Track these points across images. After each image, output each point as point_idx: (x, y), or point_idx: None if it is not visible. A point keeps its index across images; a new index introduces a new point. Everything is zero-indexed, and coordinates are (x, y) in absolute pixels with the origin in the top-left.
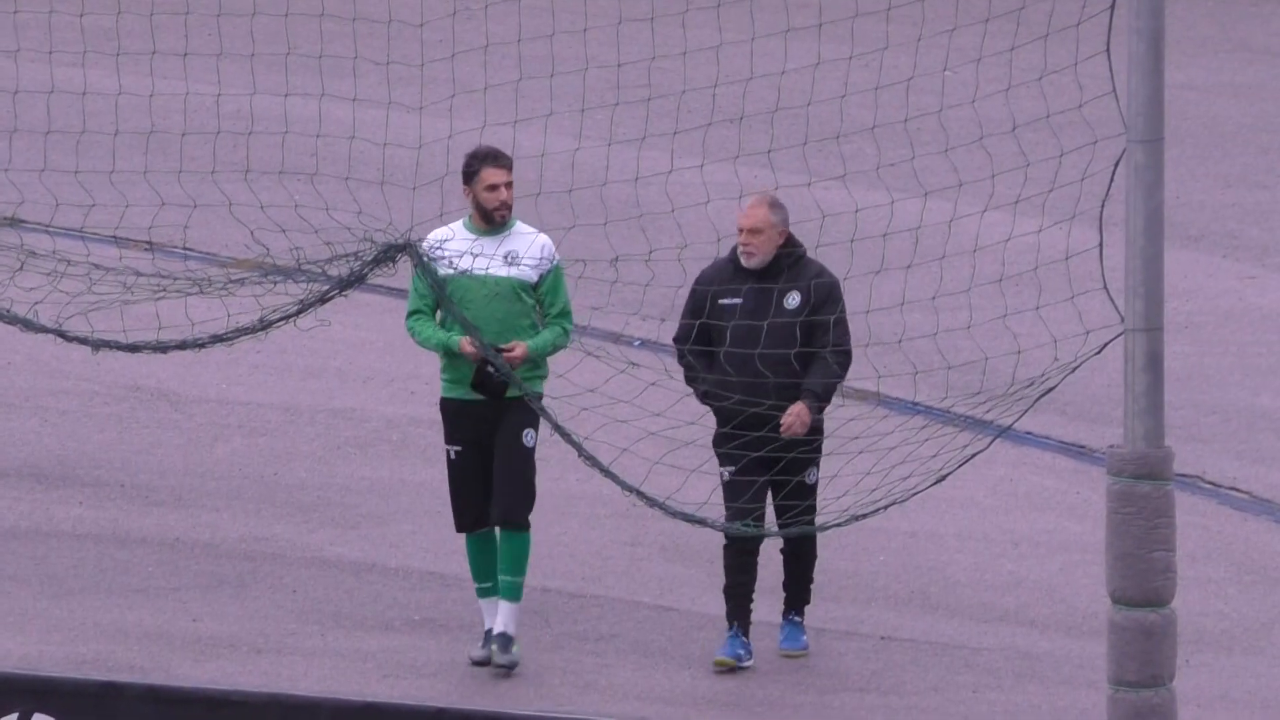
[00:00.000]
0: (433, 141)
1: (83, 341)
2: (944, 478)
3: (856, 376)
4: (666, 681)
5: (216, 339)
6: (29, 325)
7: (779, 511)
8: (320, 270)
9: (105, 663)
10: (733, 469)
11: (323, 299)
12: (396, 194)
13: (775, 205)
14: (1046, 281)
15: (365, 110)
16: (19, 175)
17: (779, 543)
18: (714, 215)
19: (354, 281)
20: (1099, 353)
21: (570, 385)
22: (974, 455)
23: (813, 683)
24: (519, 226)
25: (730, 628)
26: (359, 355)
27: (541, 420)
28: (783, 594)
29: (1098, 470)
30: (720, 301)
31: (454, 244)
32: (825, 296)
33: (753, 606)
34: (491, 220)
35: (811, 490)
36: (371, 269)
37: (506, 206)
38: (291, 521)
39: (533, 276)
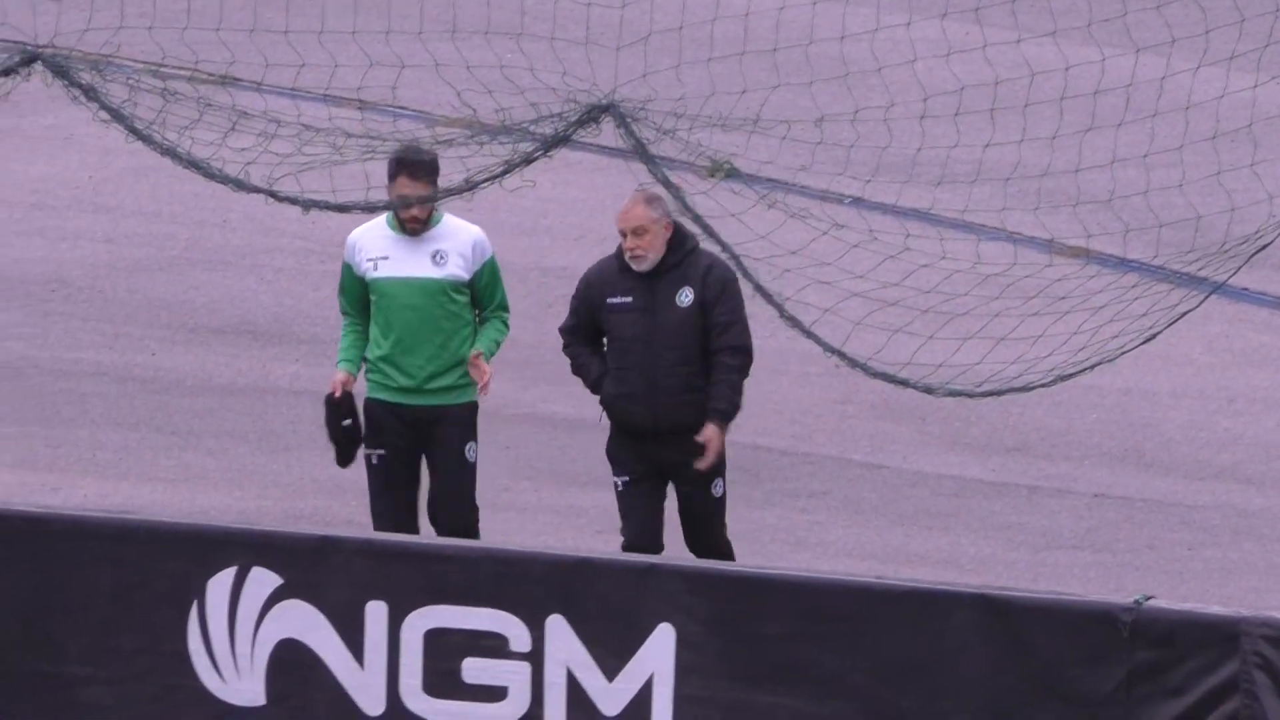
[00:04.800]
0: (635, 1)
1: (293, 201)
2: (1153, 336)
3: (1068, 235)
4: (878, 538)
5: (424, 199)
6: (240, 185)
7: (685, 524)
8: (525, 131)
9: (322, 517)
10: (626, 479)
11: (528, 160)
12: (600, 54)
13: (653, 200)
14: (1262, 138)
15: None
16: (230, 35)
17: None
18: (921, 73)
19: (558, 142)
20: None
21: (773, 246)
22: (1185, 313)
23: (1025, 540)
24: (446, 222)
25: None
26: (569, 213)
27: (480, 431)
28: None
29: None
30: (609, 300)
31: (375, 242)
32: (719, 289)
33: None
34: (404, 229)
35: (719, 503)
36: (575, 130)
37: (417, 220)
38: (505, 378)
39: (464, 275)
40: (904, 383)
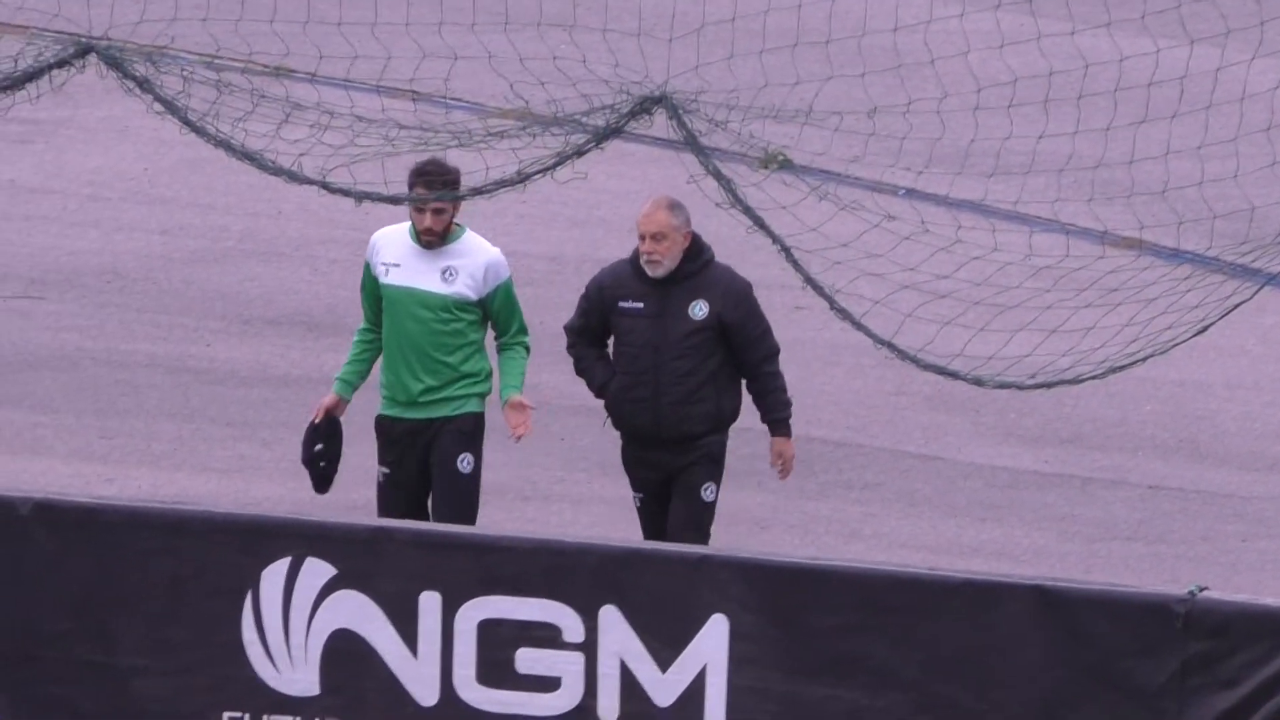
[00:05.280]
0: None
1: (345, 193)
2: (1207, 328)
3: (1121, 226)
4: (932, 530)
5: (476, 191)
6: (293, 177)
7: (670, 524)
8: (577, 123)
9: (375, 508)
10: (643, 495)
11: (579, 152)
12: (653, 45)
13: (675, 207)
14: None
15: None
16: (284, 27)
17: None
18: (975, 65)
19: (610, 134)
20: None
21: (824, 238)
22: (1239, 304)
23: (1080, 532)
24: (465, 239)
25: None
26: (622, 205)
27: (484, 442)
28: None
29: None
30: (620, 304)
31: (393, 247)
32: (743, 306)
33: None
34: (419, 241)
35: (709, 509)
36: (627, 121)
37: (432, 233)
38: (559, 370)
39: (470, 296)
40: (954, 375)
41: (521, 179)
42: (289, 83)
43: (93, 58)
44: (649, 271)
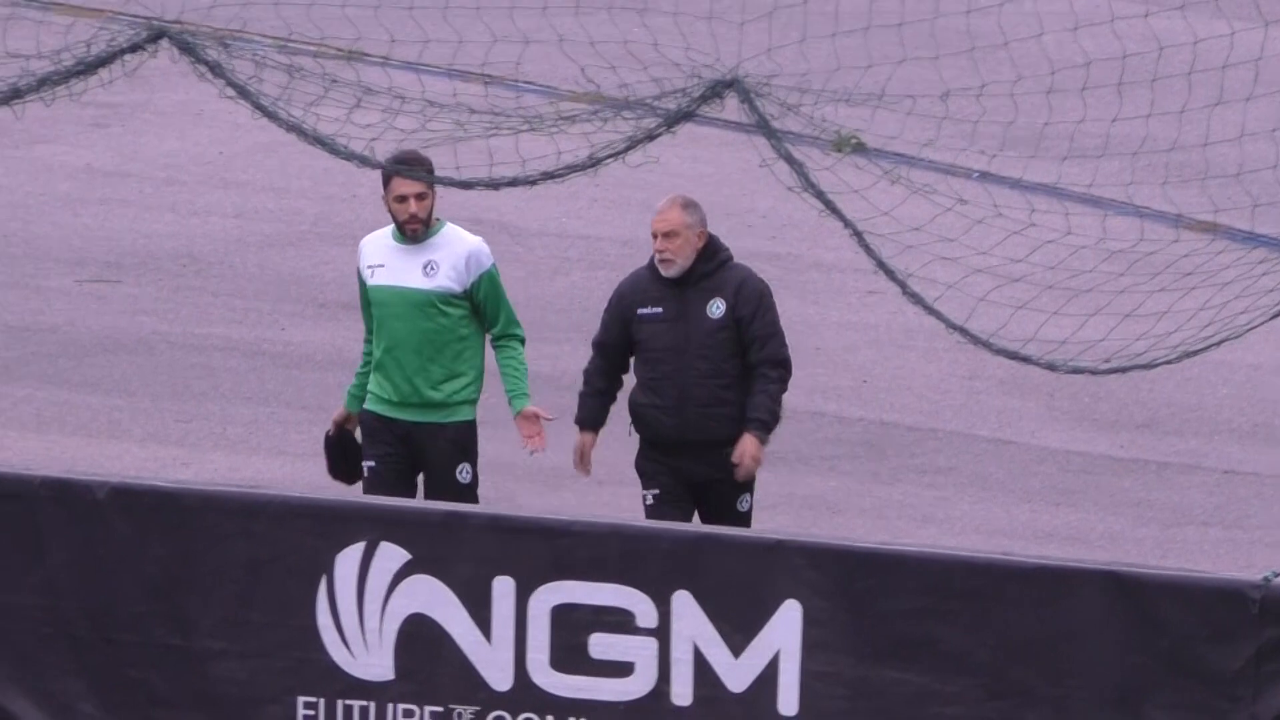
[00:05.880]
0: None
1: (415, 178)
2: None
3: (1195, 209)
4: (1005, 515)
5: (547, 176)
6: (365, 161)
7: None
8: (649, 106)
9: None
10: (656, 492)
11: (651, 136)
12: (725, 29)
13: (689, 205)
14: None
15: None
16: (355, 11)
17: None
18: (1049, 47)
19: (680, 118)
20: None
21: (895, 222)
22: None
23: (1155, 517)
24: (445, 232)
25: None
26: (696, 188)
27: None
28: None
29: None
30: (639, 311)
31: (376, 250)
32: (755, 303)
33: None
34: (404, 232)
35: (745, 518)
36: (698, 105)
37: (416, 220)
38: None
39: (455, 288)
40: (1027, 359)
41: (593, 163)
42: (360, 67)
43: (165, 42)
44: (662, 271)
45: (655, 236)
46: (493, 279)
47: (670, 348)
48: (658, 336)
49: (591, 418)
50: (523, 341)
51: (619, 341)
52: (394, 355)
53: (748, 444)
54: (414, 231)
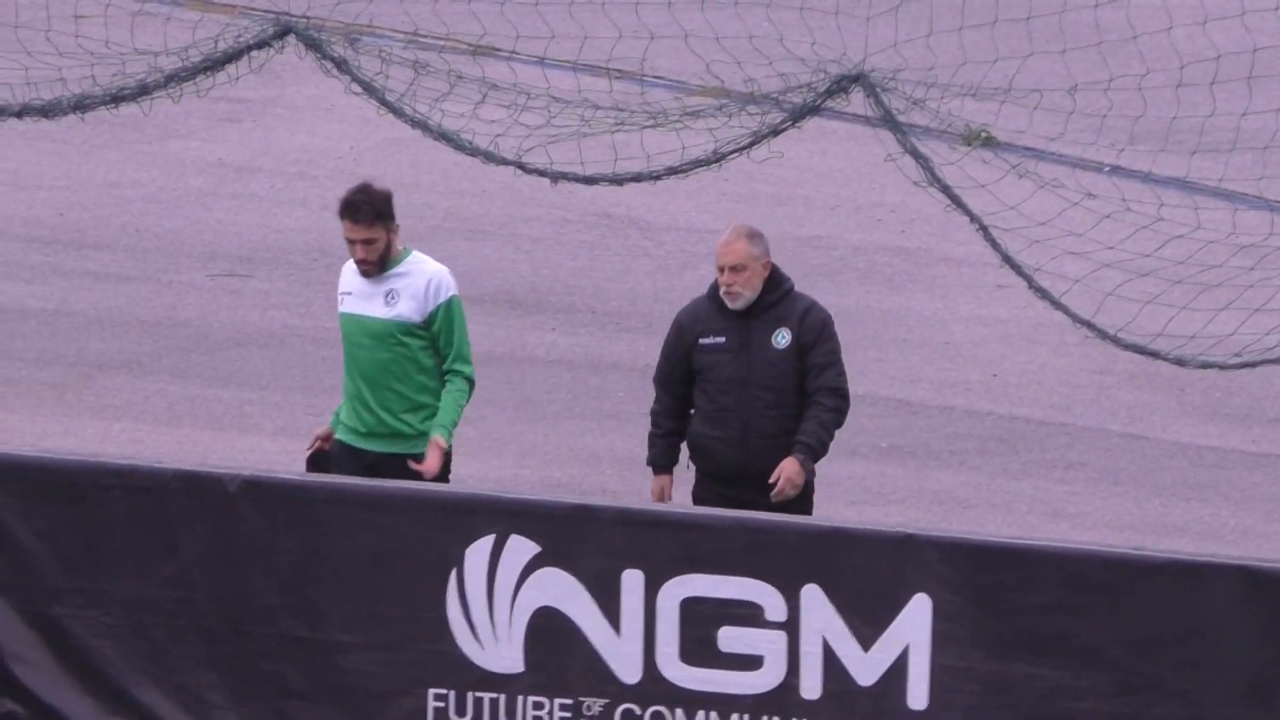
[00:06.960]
0: None
1: (541, 174)
2: None
3: None
4: (1136, 509)
5: (671, 171)
6: (490, 157)
7: None
8: (774, 101)
9: (578, 486)
10: None
11: (775, 131)
12: (851, 23)
13: (754, 236)
14: None
15: None
16: (482, 6)
17: None
18: (1178, 40)
19: (805, 113)
20: None
21: (1023, 217)
22: None
23: None
24: (409, 261)
25: None
26: (825, 183)
27: (450, 475)
28: None
29: None
30: (701, 341)
31: (348, 276)
32: (818, 331)
33: None
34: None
35: None
36: (823, 100)
37: (367, 262)
38: None
39: (414, 318)
40: (1155, 354)
41: (717, 158)
42: (486, 62)
43: (291, 38)
44: (729, 304)
45: (721, 270)
46: (450, 310)
47: (733, 378)
48: (720, 367)
49: (664, 460)
50: (470, 383)
51: (682, 375)
52: (356, 383)
53: (788, 466)
54: (366, 272)
